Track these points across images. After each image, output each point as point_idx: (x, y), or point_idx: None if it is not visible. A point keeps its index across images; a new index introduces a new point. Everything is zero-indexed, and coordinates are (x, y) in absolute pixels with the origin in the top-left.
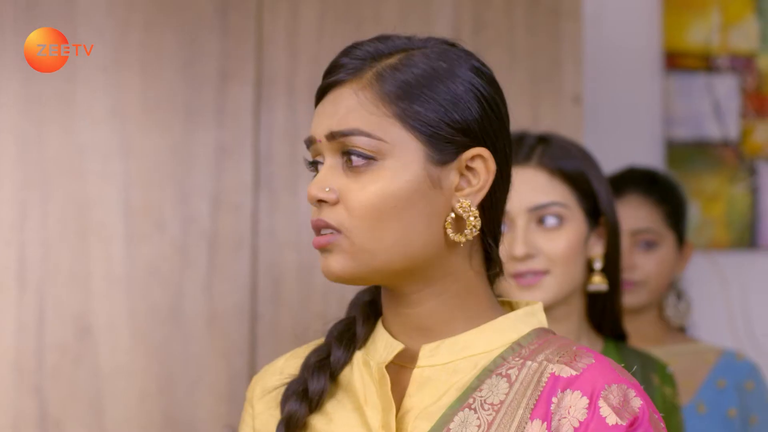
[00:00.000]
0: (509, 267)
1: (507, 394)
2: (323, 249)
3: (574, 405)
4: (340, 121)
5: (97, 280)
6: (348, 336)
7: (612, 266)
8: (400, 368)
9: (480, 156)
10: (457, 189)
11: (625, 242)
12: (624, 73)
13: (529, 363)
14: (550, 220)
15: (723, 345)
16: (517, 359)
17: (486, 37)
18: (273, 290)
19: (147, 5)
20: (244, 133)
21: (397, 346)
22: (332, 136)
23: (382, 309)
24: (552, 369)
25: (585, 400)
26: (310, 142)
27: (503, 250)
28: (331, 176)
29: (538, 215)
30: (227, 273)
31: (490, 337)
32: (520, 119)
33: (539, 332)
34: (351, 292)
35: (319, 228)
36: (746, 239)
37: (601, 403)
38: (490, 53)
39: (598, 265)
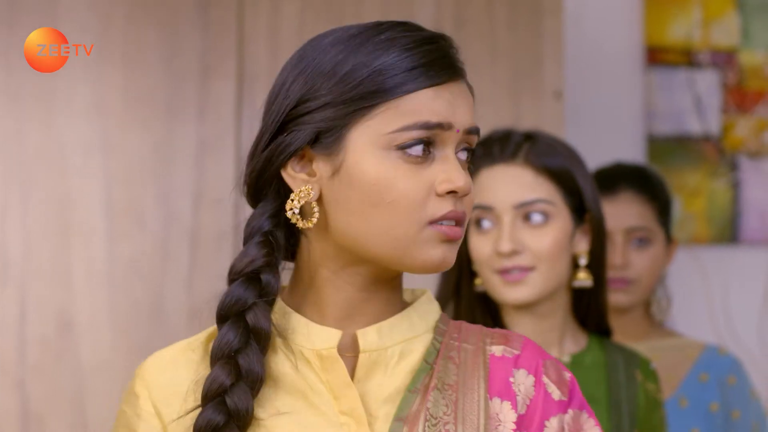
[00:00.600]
0: (495, 263)
1: (457, 375)
2: (454, 241)
3: (523, 383)
4: (474, 117)
5: (79, 276)
6: (252, 345)
7: (597, 262)
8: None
9: None
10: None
11: (618, 240)
12: (605, 69)
13: (465, 345)
14: (536, 217)
15: (705, 340)
16: (452, 342)
17: (467, 34)
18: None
19: (128, 0)
20: (225, 128)
21: (336, 333)
22: (469, 131)
23: (292, 296)
24: (491, 350)
25: (531, 378)
26: (439, 127)
27: (488, 246)
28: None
29: (524, 212)
30: (209, 269)
31: (415, 321)
32: (502, 115)
33: (443, 317)
34: None
35: (457, 218)
36: (727, 234)
37: (545, 379)
38: (472, 49)
39: (583, 261)
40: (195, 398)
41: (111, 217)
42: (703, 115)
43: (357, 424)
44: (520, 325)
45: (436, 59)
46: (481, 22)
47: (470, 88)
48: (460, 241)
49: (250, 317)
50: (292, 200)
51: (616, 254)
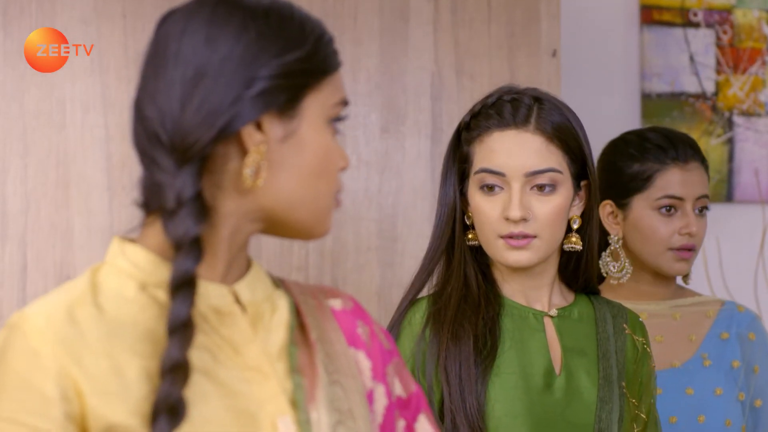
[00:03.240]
0: (501, 228)
1: (318, 328)
2: None
3: (363, 333)
4: None
5: (79, 232)
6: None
7: (588, 227)
8: None
9: None
10: None
11: (689, 209)
12: (601, 28)
13: (308, 300)
14: (546, 186)
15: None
16: (300, 297)
17: None
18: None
19: None
20: None
21: (227, 290)
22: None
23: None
24: (331, 304)
25: (367, 329)
26: (346, 103)
27: (497, 210)
28: None
29: (535, 180)
30: None
31: (263, 276)
32: (498, 73)
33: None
34: (336, 260)
35: None
36: (722, 193)
37: (376, 329)
38: (468, 8)
39: (575, 225)
40: (111, 361)
41: (111, 172)
42: (698, 73)
43: (263, 377)
44: (509, 281)
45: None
46: None
47: None
48: None
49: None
50: (251, 159)
51: (691, 222)
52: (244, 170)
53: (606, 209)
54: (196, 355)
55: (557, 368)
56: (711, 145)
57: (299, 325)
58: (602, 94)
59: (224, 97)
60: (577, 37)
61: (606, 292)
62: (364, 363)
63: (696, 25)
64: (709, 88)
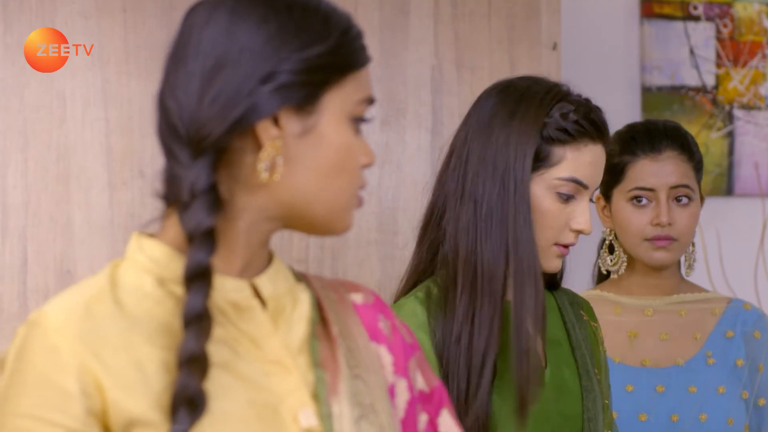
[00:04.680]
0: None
1: (338, 323)
2: None
3: (385, 328)
4: None
5: (79, 225)
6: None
7: None
8: None
9: None
10: None
11: (663, 198)
12: (601, 20)
13: (329, 294)
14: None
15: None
16: (321, 290)
17: None
18: None
19: None
20: None
21: (245, 284)
22: None
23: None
24: (352, 298)
25: (388, 323)
26: (373, 101)
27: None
28: None
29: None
30: None
31: (284, 269)
32: (498, 66)
33: (291, 268)
34: (336, 254)
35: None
36: (722, 186)
37: (398, 323)
38: (468, 1)
39: None
40: (132, 355)
41: (111, 166)
42: (699, 67)
43: (285, 371)
44: None
45: (364, 38)
46: None
47: None
48: None
49: (209, 277)
50: (266, 154)
51: (662, 212)
52: (258, 165)
53: (600, 203)
54: (216, 349)
55: (543, 361)
56: (711, 139)
57: (321, 320)
58: (602, 88)
59: (239, 89)
60: (578, 30)
61: (609, 287)
62: (386, 357)
63: (696, 19)
64: (710, 81)
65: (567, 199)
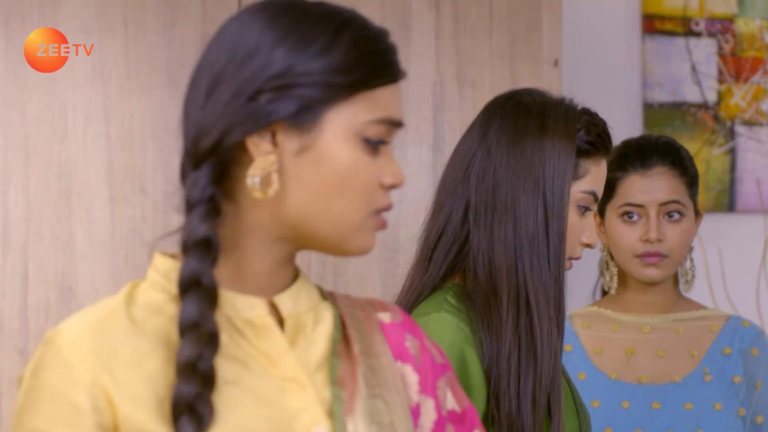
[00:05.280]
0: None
1: (361, 342)
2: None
3: (412, 347)
4: None
5: (80, 241)
6: (208, 298)
7: None
8: None
9: None
10: None
11: (653, 214)
12: (603, 36)
13: (356, 312)
14: (674, 215)
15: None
16: (346, 309)
17: (465, 0)
18: None
19: None
20: None
21: (262, 302)
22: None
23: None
24: (380, 317)
25: (417, 342)
26: (400, 125)
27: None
28: None
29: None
30: None
31: (310, 288)
32: (499, 82)
33: (319, 286)
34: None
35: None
36: (724, 203)
37: (428, 343)
38: (470, 15)
39: None
40: (141, 370)
41: (112, 182)
42: (700, 83)
43: (300, 388)
44: None
45: (395, 55)
46: None
47: None
48: None
49: (206, 286)
50: (256, 169)
51: (651, 228)
52: (247, 179)
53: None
54: (229, 366)
55: None
56: (713, 155)
57: (343, 338)
58: (604, 104)
59: (230, 103)
60: (579, 46)
61: (607, 304)
62: (411, 376)
63: (698, 35)
64: (711, 97)
65: (584, 212)
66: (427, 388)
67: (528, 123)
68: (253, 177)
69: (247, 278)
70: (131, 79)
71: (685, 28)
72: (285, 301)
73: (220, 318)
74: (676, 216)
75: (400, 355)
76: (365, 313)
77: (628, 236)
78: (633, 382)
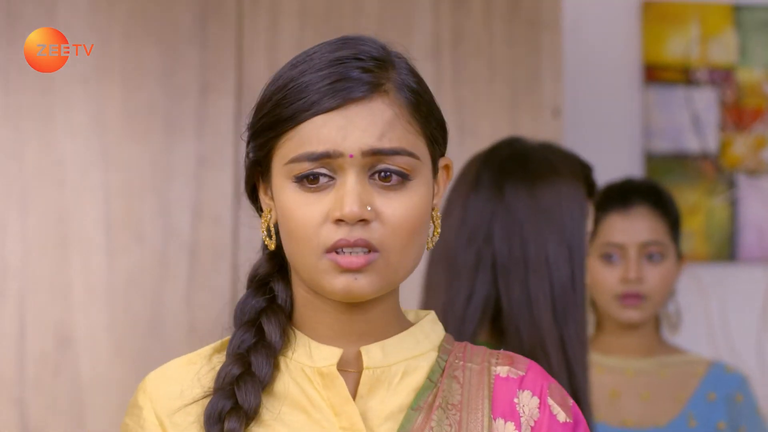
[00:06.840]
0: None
1: (461, 395)
2: (356, 270)
3: (527, 404)
4: (382, 138)
5: (78, 291)
6: (262, 345)
7: None
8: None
9: (446, 164)
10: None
11: (632, 254)
12: (603, 86)
13: (470, 365)
14: (655, 256)
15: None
16: (457, 361)
17: (465, 49)
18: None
19: (127, 17)
20: (224, 144)
21: (337, 351)
22: (371, 153)
23: (292, 314)
24: (496, 371)
25: (536, 400)
26: (326, 156)
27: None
28: (365, 194)
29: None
30: (207, 284)
31: (420, 339)
32: (500, 131)
33: (448, 338)
34: None
35: (356, 246)
36: (726, 252)
37: (550, 401)
38: (470, 65)
39: None
40: (199, 411)
41: (110, 231)
42: (701, 132)
43: None
44: None
45: (331, 83)
46: (479, 37)
47: (397, 102)
48: (378, 269)
49: (263, 321)
50: (262, 221)
51: (630, 269)
52: (261, 232)
53: None
54: (290, 412)
55: None
56: (714, 205)
57: (436, 390)
58: (605, 153)
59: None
60: (580, 96)
61: (595, 347)
62: None
63: (699, 84)
64: (713, 147)
65: None
66: None
67: (539, 171)
68: (262, 230)
69: (317, 327)
70: (129, 127)
71: (686, 77)
72: (372, 350)
73: (293, 365)
74: (657, 257)
75: (504, 412)
76: (481, 365)
77: (608, 277)
78: (617, 425)
